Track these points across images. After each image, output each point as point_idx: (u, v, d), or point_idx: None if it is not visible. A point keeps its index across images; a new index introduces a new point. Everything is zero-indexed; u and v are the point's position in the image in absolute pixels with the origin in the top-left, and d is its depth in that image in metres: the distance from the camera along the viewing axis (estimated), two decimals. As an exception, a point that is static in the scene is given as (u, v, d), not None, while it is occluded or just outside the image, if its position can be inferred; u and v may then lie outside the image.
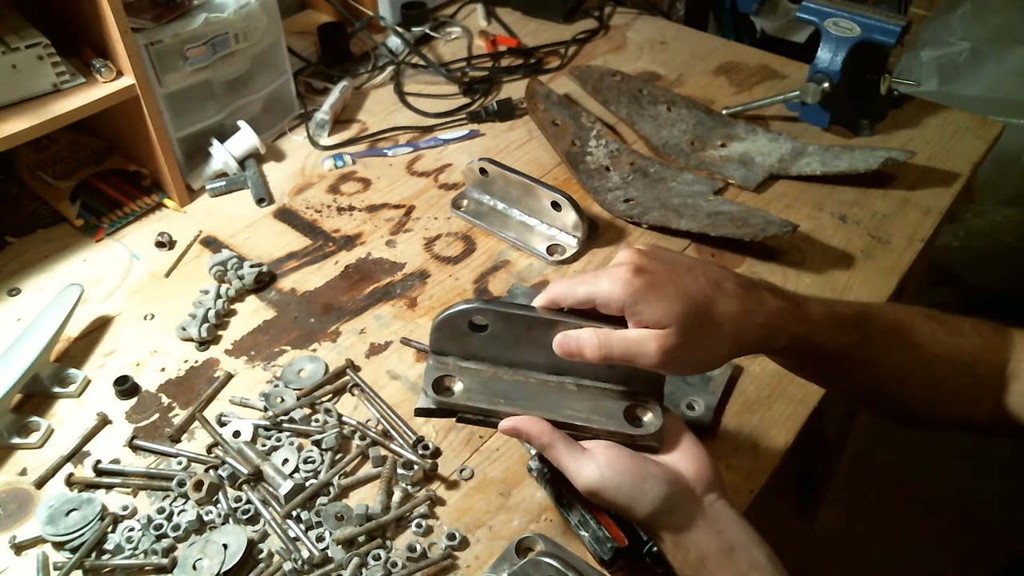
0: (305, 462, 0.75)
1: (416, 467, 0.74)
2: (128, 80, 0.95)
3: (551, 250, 0.97)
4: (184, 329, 0.88)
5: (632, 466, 0.58)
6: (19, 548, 0.70)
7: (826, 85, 1.10)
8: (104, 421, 0.80)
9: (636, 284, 0.56)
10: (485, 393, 0.62)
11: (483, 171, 1.01)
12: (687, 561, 0.58)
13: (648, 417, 0.61)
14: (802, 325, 0.61)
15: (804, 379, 0.72)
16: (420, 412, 0.62)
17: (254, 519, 0.72)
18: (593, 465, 0.58)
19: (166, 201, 1.06)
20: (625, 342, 0.57)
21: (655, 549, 0.64)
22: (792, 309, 0.61)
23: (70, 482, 0.74)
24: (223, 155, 1.07)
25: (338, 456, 0.76)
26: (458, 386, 0.62)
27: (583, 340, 0.58)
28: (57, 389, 0.83)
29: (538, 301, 0.61)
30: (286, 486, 0.71)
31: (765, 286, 0.62)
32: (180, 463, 0.75)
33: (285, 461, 0.75)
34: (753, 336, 0.59)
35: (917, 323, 0.67)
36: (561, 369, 0.62)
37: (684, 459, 0.60)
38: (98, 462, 0.75)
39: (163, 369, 0.85)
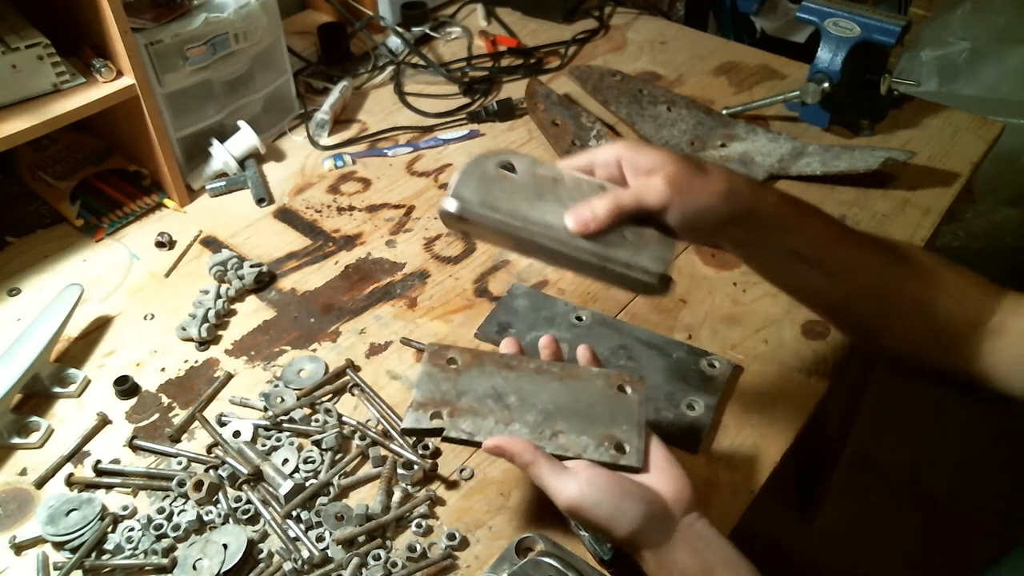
0: (305, 462, 0.75)
1: (416, 467, 0.74)
2: (128, 80, 0.95)
3: (551, 250, 0.97)
4: (184, 329, 0.88)
5: (612, 483, 0.59)
6: (19, 548, 0.70)
7: (826, 85, 1.10)
8: (104, 421, 0.80)
9: (629, 143, 0.64)
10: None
11: (483, 171, 1.01)
12: None
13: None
14: (786, 194, 0.66)
15: (778, 284, 0.72)
16: (407, 432, 0.65)
17: (254, 519, 0.72)
18: (573, 483, 0.59)
19: (166, 201, 1.06)
20: (633, 189, 0.62)
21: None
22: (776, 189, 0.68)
23: (70, 482, 0.74)
24: (223, 155, 1.07)
25: (338, 456, 0.76)
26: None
27: (594, 203, 0.62)
28: (57, 389, 0.83)
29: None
30: (286, 486, 0.71)
31: None
32: (180, 463, 0.75)
33: (285, 461, 0.75)
34: (741, 185, 0.62)
35: (910, 252, 0.70)
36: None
37: (663, 480, 0.61)
38: (98, 462, 0.75)
39: (163, 369, 0.85)
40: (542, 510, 0.71)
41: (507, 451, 0.61)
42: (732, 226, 0.63)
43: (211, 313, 0.88)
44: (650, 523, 0.59)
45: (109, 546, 0.69)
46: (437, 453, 0.76)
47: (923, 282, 0.68)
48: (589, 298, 0.92)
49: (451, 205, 0.61)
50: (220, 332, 0.89)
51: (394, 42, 1.34)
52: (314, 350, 0.87)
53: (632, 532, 0.58)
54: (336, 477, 0.74)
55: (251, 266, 0.94)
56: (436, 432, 0.63)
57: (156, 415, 0.81)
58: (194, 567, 0.66)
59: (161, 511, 0.71)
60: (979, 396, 0.69)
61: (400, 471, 0.73)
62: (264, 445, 0.77)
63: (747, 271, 0.94)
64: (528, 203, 0.63)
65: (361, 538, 0.68)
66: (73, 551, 0.69)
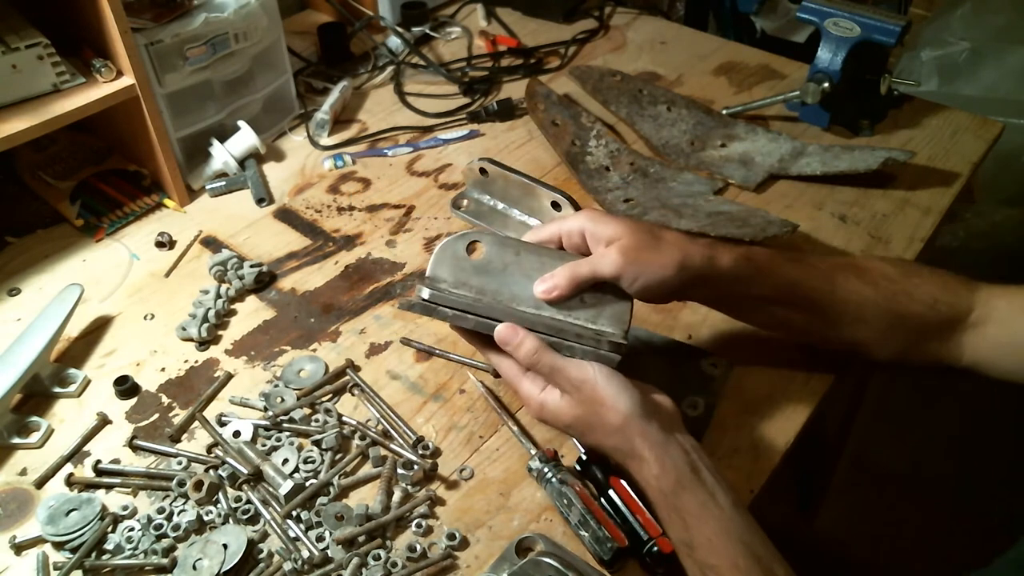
0: (305, 462, 0.75)
1: (416, 467, 0.74)
2: (128, 80, 0.95)
3: (551, 250, 0.97)
4: (184, 329, 0.88)
5: (618, 374, 0.65)
6: (19, 548, 0.70)
7: (826, 85, 1.10)
8: (104, 421, 0.80)
9: (593, 214, 0.70)
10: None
11: (483, 171, 1.01)
12: (666, 487, 0.62)
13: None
14: (742, 248, 0.71)
15: (757, 325, 0.79)
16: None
17: (254, 519, 0.72)
18: (586, 364, 0.66)
19: (166, 201, 1.06)
20: (590, 261, 0.68)
21: (655, 549, 0.64)
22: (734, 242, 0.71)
23: (70, 482, 0.74)
24: (223, 155, 1.07)
25: (338, 456, 0.76)
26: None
27: (556, 274, 0.68)
28: (57, 389, 0.83)
29: None
30: (286, 486, 0.71)
31: None
32: (180, 463, 0.75)
33: (285, 461, 0.75)
34: (697, 252, 0.68)
35: (873, 264, 0.74)
36: (541, 305, 0.69)
37: (657, 393, 0.68)
38: (98, 462, 0.75)
39: (163, 369, 0.85)
40: (542, 509, 0.71)
41: (517, 336, 0.67)
42: (688, 290, 0.70)
43: (211, 313, 0.88)
44: (652, 409, 0.64)
45: (109, 546, 0.69)
46: (437, 453, 0.76)
47: (891, 295, 0.72)
48: (589, 298, 0.92)
49: (424, 293, 0.68)
50: (220, 332, 0.89)
51: (394, 42, 1.34)
52: (314, 350, 0.87)
53: (633, 414, 0.63)
54: (336, 477, 0.74)
55: (251, 266, 0.94)
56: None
57: (156, 415, 0.81)
58: (194, 567, 0.66)
59: (161, 511, 0.71)
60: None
61: (400, 471, 0.73)
62: (264, 445, 0.77)
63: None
64: (495, 278, 0.69)
65: (361, 538, 0.68)
66: (73, 551, 0.69)
